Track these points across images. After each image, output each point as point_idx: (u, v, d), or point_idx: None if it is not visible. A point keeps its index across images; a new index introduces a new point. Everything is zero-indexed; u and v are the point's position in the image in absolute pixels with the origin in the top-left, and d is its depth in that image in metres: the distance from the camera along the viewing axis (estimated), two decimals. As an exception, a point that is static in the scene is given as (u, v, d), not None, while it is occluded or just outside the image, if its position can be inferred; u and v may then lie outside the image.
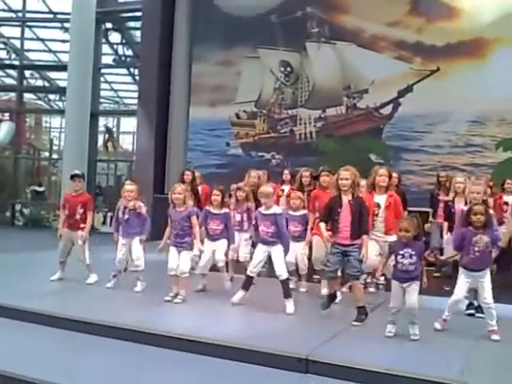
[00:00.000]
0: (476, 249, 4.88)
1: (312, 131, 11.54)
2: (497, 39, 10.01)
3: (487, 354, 4.66)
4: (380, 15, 10.94)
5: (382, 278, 6.34)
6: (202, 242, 6.22)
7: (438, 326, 5.12)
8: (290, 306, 5.58)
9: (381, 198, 6.02)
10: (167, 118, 12.95)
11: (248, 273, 5.75)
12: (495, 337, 4.88)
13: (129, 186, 6.48)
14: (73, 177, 6.89)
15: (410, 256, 4.73)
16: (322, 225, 5.39)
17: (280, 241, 5.64)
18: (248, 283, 5.78)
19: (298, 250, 6.41)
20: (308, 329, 5.16)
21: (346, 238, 5.20)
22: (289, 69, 12.03)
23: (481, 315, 5.32)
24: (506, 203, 7.73)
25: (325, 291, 6.18)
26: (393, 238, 5.70)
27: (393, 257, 4.89)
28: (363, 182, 5.94)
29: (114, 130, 19.81)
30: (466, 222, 4.98)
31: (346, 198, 5.24)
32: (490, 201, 6.95)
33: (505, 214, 7.56)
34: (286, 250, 5.74)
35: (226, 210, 6.42)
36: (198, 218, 6.08)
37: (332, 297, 5.47)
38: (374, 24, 11.09)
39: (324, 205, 5.58)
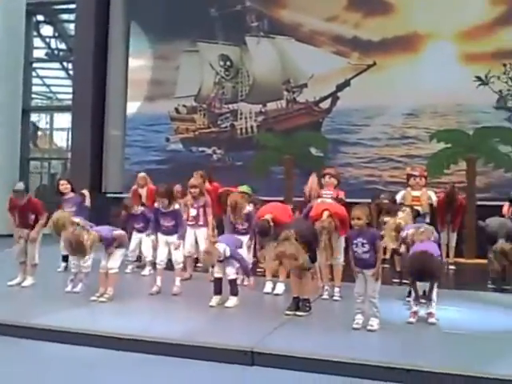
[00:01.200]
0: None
1: (253, 125, 11.52)
2: (430, 34, 10.33)
3: (424, 337, 4.78)
4: (318, 10, 11.04)
5: None
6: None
7: (411, 319, 5.13)
8: (232, 300, 5.56)
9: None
10: (103, 113, 12.57)
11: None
12: (432, 320, 5.05)
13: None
14: (16, 192, 6.59)
15: (363, 245, 4.81)
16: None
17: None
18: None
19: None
20: (252, 321, 5.13)
21: None
22: (228, 63, 11.95)
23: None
24: None
25: (268, 287, 6.21)
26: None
27: None
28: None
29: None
30: None
31: None
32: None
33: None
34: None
35: (176, 206, 6.30)
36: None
37: (297, 299, 5.37)
38: (313, 19, 11.19)
39: None
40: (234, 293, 5.64)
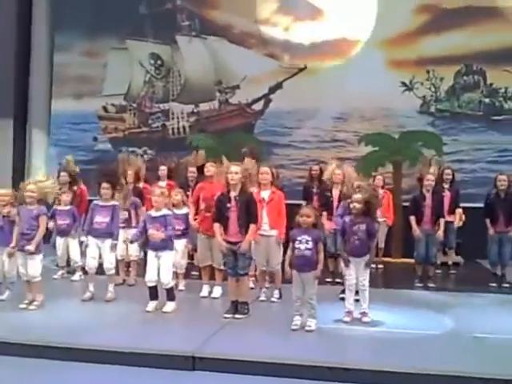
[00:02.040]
0: (356, 237, 5.18)
1: (185, 126, 11.39)
2: (357, 40, 10.65)
3: (360, 337, 4.91)
4: (249, 12, 11.08)
5: None
6: None
7: (346, 318, 5.26)
8: (170, 305, 5.46)
9: (265, 194, 6.10)
10: (26, 110, 11.97)
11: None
12: (366, 319, 5.19)
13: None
14: None
15: (307, 242, 4.86)
16: (216, 226, 5.31)
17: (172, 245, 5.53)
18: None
19: (179, 247, 6.26)
20: (192, 326, 5.09)
21: (235, 235, 5.20)
22: (159, 62, 11.75)
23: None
24: None
25: (205, 291, 6.16)
26: (274, 232, 5.94)
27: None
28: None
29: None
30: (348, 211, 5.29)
31: (233, 194, 5.22)
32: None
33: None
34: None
35: (115, 202, 6.08)
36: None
37: (236, 303, 5.35)
38: (244, 20, 11.23)
39: (213, 201, 5.54)
40: (171, 298, 5.54)
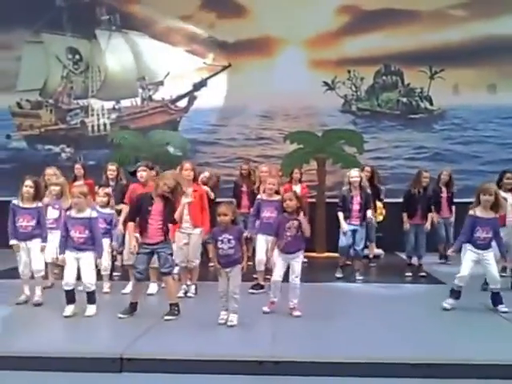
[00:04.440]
0: (289, 234, 5.20)
1: (106, 123, 11.01)
2: (281, 39, 10.75)
3: (290, 330, 4.94)
4: (172, 7, 10.86)
5: None
6: None
7: (266, 308, 5.31)
8: (91, 309, 5.24)
9: (188, 191, 5.97)
10: None
11: None
12: (296, 313, 5.22)
13: None
14: None
15: (229, 241, 4.87)
16: (131, 225, 5.17)
17: (93, 247, 5.25)
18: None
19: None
20: (119, 327, 4.90)
21: (153, 236, 5.07)
22: (77, 56, 11.27)
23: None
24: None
25: (127, 290, 6.02)
26: (198, 230, 5.93)
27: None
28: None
29: None
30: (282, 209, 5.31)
31: (154, 195, 5.11)
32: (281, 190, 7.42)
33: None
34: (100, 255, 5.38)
35: (38, 203, 5.71)
36: None
37: (135, 304, 5.22)
38: (167, 16, 11.01)
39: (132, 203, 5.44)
40: (92, 301, 5.29)
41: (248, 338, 4.66)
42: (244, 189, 8.34)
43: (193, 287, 6.15)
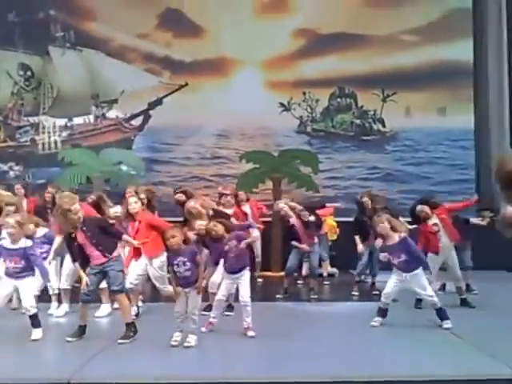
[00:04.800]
0: (231, 254, 5.16)
1: (57, 140, 10.74)
2: (238, 60, 10.82)
3: (246, 350, 4.85)
4: (129, 26, 10.79)
5: None
6: None
7: (203, 328, 5.19)
8: (36, 332, 5.03)
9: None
10: None
11: None
12: (251, 333, 5.13)
13: None
14: None
15: (184, 263, 4.77)
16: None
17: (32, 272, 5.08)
18: None
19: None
20: (68, 351, 4.71)
21: (99, 258, 4.94)
22: (29, 73, 11.03)
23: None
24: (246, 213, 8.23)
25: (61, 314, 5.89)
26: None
27: None
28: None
29: None
30: None
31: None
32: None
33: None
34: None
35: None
36: None
37: (84, 327, 5.04)
38: (123, 34, 10.93)
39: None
40: (36, 325, 5.07)
41: (202, 359, 4.56)
42: None
43: (134, 308, 5.88)
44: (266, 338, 5.06)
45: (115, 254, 5.02)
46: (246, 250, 5.25)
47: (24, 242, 5.07)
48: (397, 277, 5.44)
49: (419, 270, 5.41)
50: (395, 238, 5.42)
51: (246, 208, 8.08)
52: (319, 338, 5.10)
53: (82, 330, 5.00)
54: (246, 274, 5.26)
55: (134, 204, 5.81)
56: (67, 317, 5.93)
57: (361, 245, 7.43)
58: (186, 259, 4.77)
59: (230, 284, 5.25)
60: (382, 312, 5.51)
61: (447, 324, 5.36)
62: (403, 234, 5.46)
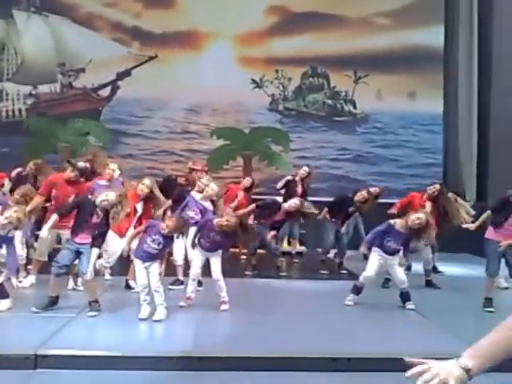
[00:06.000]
0: (208, 239, 5.17)
1: (21, 109, 10.35)
2: (209, 34, 10.62)
3: (217, 324, 4.84)
4: (98, -7, 10.44)
5: None
6: None
7: (182, 303, 5.18)
8: (2, 303, 4.87)
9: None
10: None
11: None
12: (224, 306, 5.16)
13: None
14: None
15: (158, 244, 4.77)
16: (55, 217, 4.91)
17: None
18: None
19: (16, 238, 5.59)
20: (35, 323, 4.55)
21: (85, 238, 4.82)
22: (-8, 36, 10.54)
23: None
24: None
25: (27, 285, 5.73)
26: (124, 240, 5.61)
27: None
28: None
29: None
30: None
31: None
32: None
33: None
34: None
35: None
36: None
37: (56, 298, 4.92)
38: (91, 1, 10.58)
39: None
40: (3, 295, 4.90)
41: (170, 332, 4.52)
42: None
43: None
44: (236, 313, 5.06)
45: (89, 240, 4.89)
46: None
47: None
48: (379, 260, 5.44)
49: (400, 253, 5.47)
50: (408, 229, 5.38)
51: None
52: (287, 315, 5.12)
53: (52, 302, 4.87)
54: (219, 252, 5.27)
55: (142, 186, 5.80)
56: (33, 288, 5.76)
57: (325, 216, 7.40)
58: (163, 242, 4.77)
59: (204, 258, 5.24)
60: (357, 290, 5.54)
61: (410, 305, 5.44)
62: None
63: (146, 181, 5.92)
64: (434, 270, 7.19)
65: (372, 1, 10.71)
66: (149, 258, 4.77)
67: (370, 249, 5.53)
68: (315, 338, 4.38)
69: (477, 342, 1.57)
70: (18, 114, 10.35)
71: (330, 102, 10.88)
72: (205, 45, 10.66)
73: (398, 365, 1.69)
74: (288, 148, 9.87)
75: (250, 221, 6.94)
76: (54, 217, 4.91)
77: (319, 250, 8.57)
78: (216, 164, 8.75)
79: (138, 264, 4.80)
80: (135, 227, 5.62)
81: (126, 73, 10.52)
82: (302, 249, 8.94)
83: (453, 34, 10.53)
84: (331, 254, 7.91)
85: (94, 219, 4.80)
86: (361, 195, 7.15)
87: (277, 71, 10.69)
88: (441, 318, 5.06)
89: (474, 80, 10.23)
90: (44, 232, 4.98)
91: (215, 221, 5.21)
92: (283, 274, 7.18)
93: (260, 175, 9.68)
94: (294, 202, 7.06)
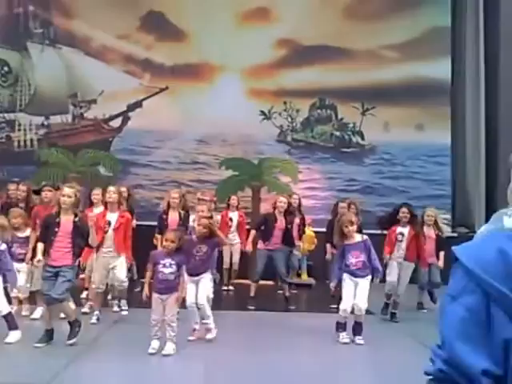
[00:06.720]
0: (197, 257, 5.17)
1: (33, 139, 10.49)
2: (220, 67, 10.79)
3: (226, 360, 4.79)
4: (109, 26, 10.66)
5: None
6: None
7: (190, 337, 5.17)
8: (13, 335, 4.92)
9: (112, 217, 5.80)
10: None
11: None
12: (209, 335, 5.18)
13: None
14: None
15: (171, 265, 4.77)
16: (40, 246, 4.98)
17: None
18: None
19: (22, 270, 5.74)
20: (43, 355, 4.55)
21: (58, 259, 4.84)
22: (6, 68, 10.76)
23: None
24: (231, 219, 8.21)
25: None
26: (122, 257, 5.75)
27: None
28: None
29: None
30: None
31: (64, 218, 4.86)
32: (218, 217, 7.33)
33: (230, 228, 8.06)
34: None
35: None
36: None
37: (50, 332, 4.91)
38: (103, 34, 10.80)
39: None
40: (13, 327, 4.92)
41: (181, 368, 4.49)
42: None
43: (97, 312, 5.82)
44: (245, 348, 5.02)
45: (71, 261, 4.90)
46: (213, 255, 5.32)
47: None
48: (349, 287, 5.35)
49: (369, 277, 5.39)
50: (357, 237, 5.42)
51: (235, 214, 8.02)
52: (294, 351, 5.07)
53: (49, 335, 4.86)
54: (207, 276, 5.27)
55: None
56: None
57: (330, 253, 7.33)
58: (173, 262, 4.76)
59: (194, 286, 5.20)
60: (344, 326, 5.43)
61: (360, 340, 5.34)
62: (365, 237, 5.48)
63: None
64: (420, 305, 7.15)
65: (379, 34, 10.85)
66: (167, 287, 4.74)
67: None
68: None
69: None
70: (30, 144, 10.49)
71: (337, 133, 10.96)
72: (215, 77, 10.83)
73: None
74: (296, 179, 9.91)
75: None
76: (40, 245, 4.98)
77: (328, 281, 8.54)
78: (225, 194, 8.76)
79: (155, 298, 4.78)
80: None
81: (137, 104, 10.67)
82: (311, 281, 8.89)
83: (460, 66, 10.64)
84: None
85: (60, 235, 4.83)
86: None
87: (285, 103, 10.81)
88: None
89: (481, 111, 10.29)
90: (39, 262, 4.97)
91: (194, 234, 5.27)
92: (291, 307, 7.12)
93: (268, 206, 9.68)
94: None
